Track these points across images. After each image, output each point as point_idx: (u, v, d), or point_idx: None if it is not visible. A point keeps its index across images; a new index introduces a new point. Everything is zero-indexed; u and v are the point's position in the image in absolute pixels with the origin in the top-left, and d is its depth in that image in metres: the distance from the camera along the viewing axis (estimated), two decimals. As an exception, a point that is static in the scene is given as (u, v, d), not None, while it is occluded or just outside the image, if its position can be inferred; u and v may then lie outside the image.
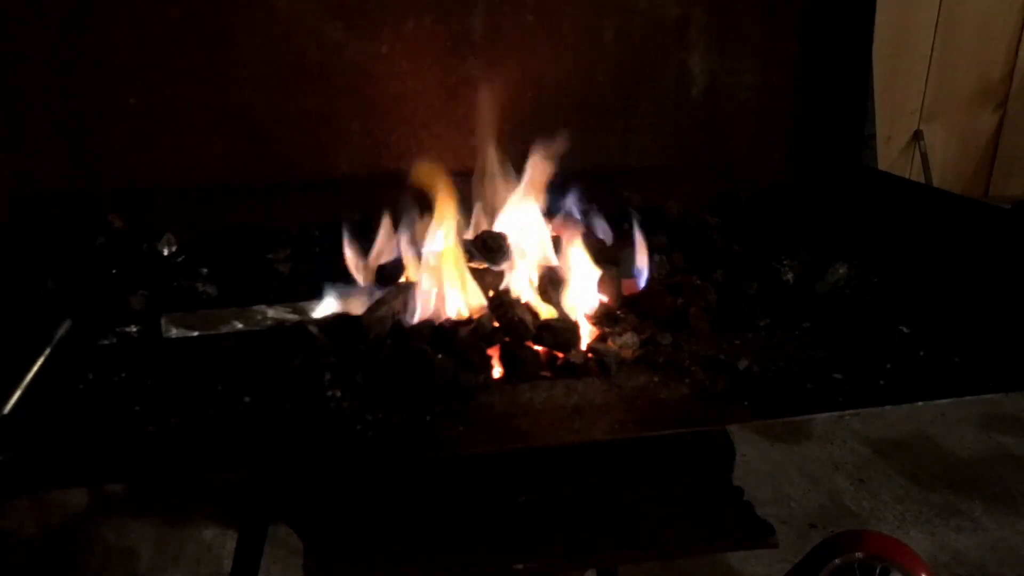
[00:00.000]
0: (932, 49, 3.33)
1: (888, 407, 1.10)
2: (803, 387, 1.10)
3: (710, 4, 1.83)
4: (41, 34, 1.59)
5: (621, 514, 1.23)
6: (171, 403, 1.06)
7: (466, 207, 1.55)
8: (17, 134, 1.63)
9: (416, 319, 1.24)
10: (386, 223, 1.44)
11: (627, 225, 1.51)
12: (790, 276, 1.41)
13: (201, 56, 1.66)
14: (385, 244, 1.44)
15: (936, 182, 3.42)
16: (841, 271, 1.41)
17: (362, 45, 1.71)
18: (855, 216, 1.67)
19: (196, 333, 1.28)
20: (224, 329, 1.29)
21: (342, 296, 1.32)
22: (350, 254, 1.40)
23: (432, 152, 1.79)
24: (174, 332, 1.28)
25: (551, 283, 1.33)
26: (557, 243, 1.40)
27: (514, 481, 1.23)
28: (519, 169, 1.46)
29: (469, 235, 1.48)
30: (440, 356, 1.10)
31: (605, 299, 1.35)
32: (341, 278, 1.39)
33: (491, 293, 1.31)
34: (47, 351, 1.17)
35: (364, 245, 1.44)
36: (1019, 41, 3.38)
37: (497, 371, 1.16)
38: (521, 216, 1.44)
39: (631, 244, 1.43)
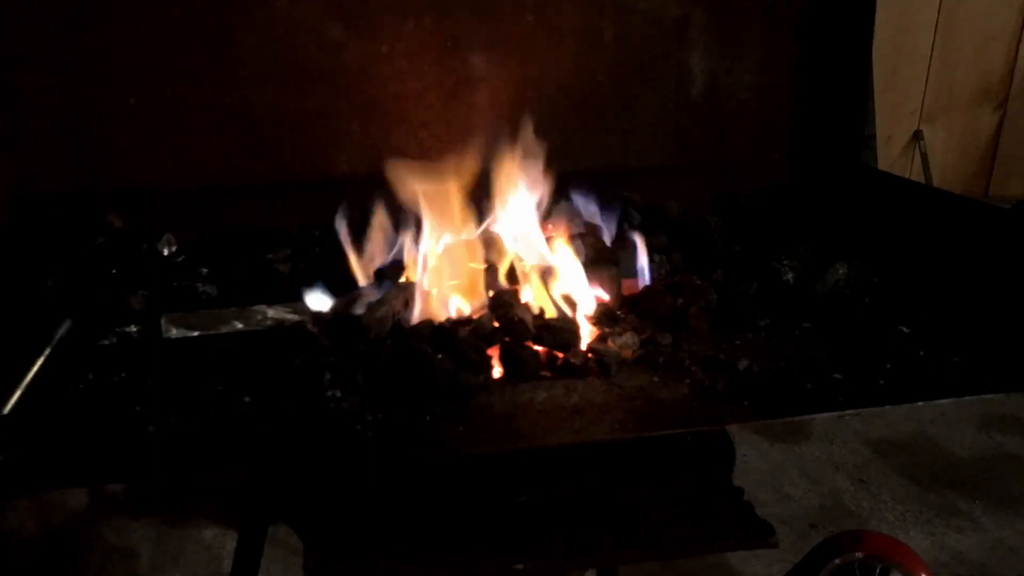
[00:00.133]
0: (932, 49, 3.33)
1: (888, 407, 1.10)
2: (803, 387, 1.10)
3: (710, 4, 1.83)
4: (41, 34, 1.59)
5: (621, 514, 1.23)
6: (171, 403, 1.06)
7: (466, 207, 1.56)
8: (17, 134, 1.63)
9: (416, 319, 1.24)
10: (383, 222, 1.44)
11: (627, 225, 1.51)
12: (790, 276, 1.41)
13: (201, 56, 1.66)
14: (382, 243, 1.44)
15: (936, 182, 3.42)
16: (841, 271, 1.41)
17: (362, 45, 1.71)
18: (855, 216, 1.67)
19: (196, 333, 1.28)
20: (224, 329, 1.29)
21: (342, 296, 1.32)
22: (352, 255, 1.40)
23: (432, 152, 1.79)
24: (174, 332, 1.28)
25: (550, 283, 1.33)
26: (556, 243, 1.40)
27: (514, 481, 1.23)
28: (521, 169, 1.46)
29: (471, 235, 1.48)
30: (440, 356, 1.10)
31: (605, 298, 1.35)
32: (341, 278, 1.39)
33: (491, 293, 1.31)
34: (47, 351, 1.17)
35: (363, 245, 1.44)
36: (1019, 41, 3.38)
37: (497, 371, 1.16)
38: (520, 215, 1.45)
39: (631, 244, 1.43)
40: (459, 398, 1.07)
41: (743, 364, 1.14)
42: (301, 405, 1.06)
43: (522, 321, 1.19)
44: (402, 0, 1.70)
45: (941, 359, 1.17)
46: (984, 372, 1.15)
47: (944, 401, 1.11)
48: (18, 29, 1.58)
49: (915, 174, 3.44)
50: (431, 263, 1.32)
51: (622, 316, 1.30)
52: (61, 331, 1.22)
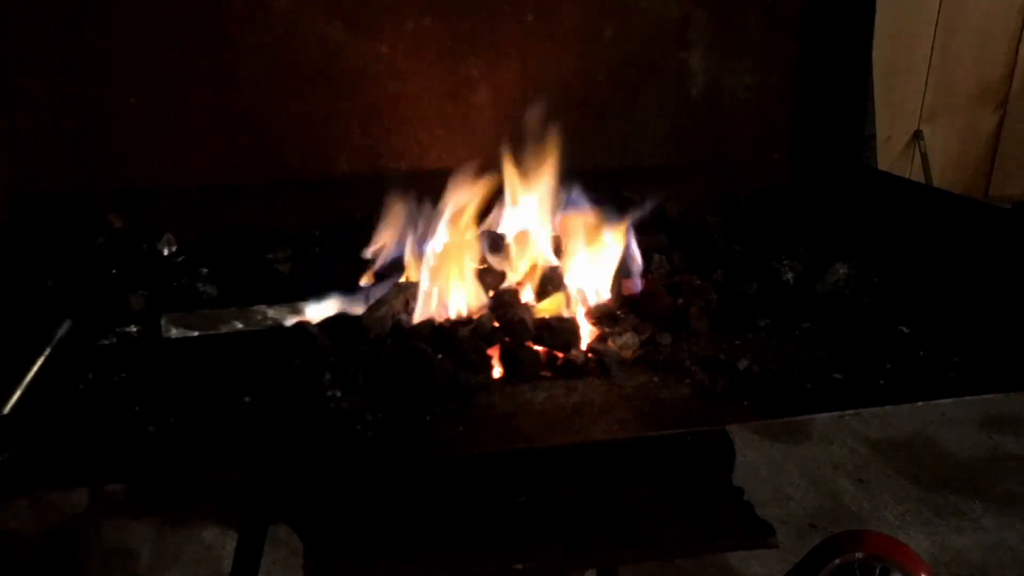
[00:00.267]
0: (932, 49, 3.33)
1: (888, 407, 1.10)
2: (803, 387, 1.10)
3: (710, 4, 1.83)
4: (41, 34, 1.59)
5: (621, 514, 1.23)
6: (171, 403, 1.06)
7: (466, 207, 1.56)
8: (17, 134, 1.63)
9: (417, 319, 1.24)
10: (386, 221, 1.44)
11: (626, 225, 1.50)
12: (790, 276, 1.41)
13: (201, 56, 1.66)
14: (386, 242, 1.44)
15: (936, 182, 3.42)
16: (841, 271, 1.41)
17: (362, 45, 1.71)
18: (855, 216, 1.67)
19: (196, 333, 1.28)
20: (224, 329, 1.29)
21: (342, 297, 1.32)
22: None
23: (432, 152, 1.79)
24: (174, 332, 1.28)
25: (551, 283, 1.33)
26: (558, 243, 1.40)
27: (514, 481, 1.23)
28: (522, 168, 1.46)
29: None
30: (440, 356, 1.10)
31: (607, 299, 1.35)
32: (341, 278, 1.39)
33: (491, 293, 1.31)
34: (47, 351, 1.17)
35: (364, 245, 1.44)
36: (1019, 41, 3.38)
37: (497, 371, 1.16)
38: (525, 215, 1.45)
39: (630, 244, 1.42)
40: (459, 398, 1.07)
41: (743, 364, 1.14)
42: (301, 405, 1.06)
43: (522, 321, 1.19)
44: (402, 0, 1.70)
45: (941, 359, 1.17)
46: (984, 372, 1.15)
47: (944, 401, 1.11)
48: (18, 29, 1.58)
49: (915, 174, 3.44)
50: (431, 262, 1.31)
51: (622, 316, 1.30)
52: (61, 331, 1.22)
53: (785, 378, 1.13)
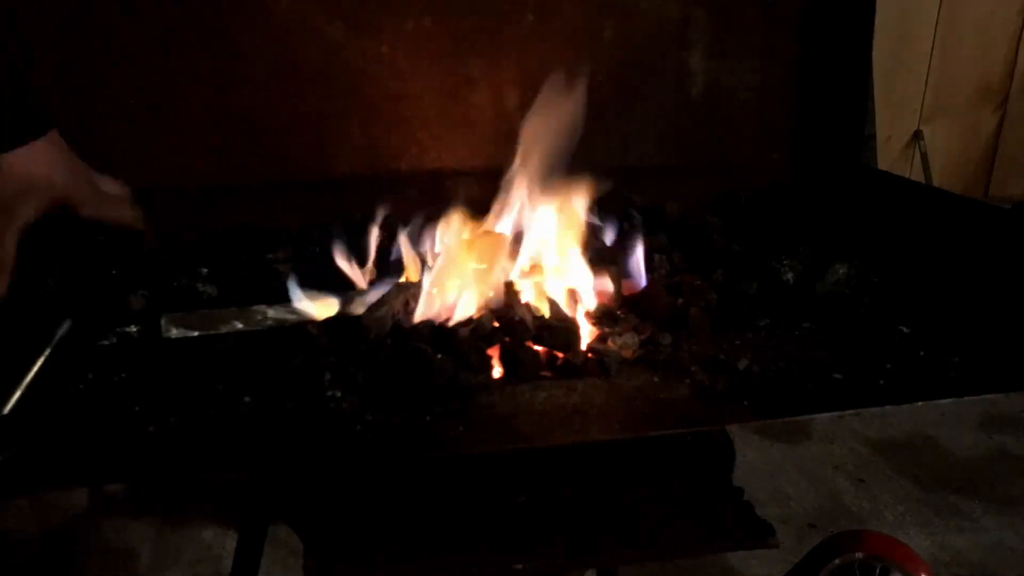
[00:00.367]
0: (932, 49, 3.33)
1: (888, 407, 1.10)
2: (803, 387, 1.10)
3: (710, 4, 1.83)
4: (41, 34, 1.58)
5: (621, 514, 1.23)
6: (171, 403, 1.06)
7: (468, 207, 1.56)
8: (17, 134, 1.62)
9: (417, 319, 1.24)
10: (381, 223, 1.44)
11: (627, 225, 1.51)
12: (790, 276, 1.41)
13: (201, 56, 1.66)
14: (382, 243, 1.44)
15: (936, 182, 3.42)
16: (841, 271, 1.41)
17: (362, 45, 1.71)
18: (855, 216, 1.67)
19: (196, 333, 1.28)
20: (224, 329, 1.29)
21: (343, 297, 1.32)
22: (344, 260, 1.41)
23: (432, 152, 1.79)
24: (174, 332, 1.28)
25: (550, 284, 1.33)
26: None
27: (514, 481, 1.23)
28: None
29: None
30: (440, 356, 1.10)
31: (604, 299, 1.35)
32: (341, 278, 1.39)
33: (491, 293, 1.31)
34: (47, 351, 1.17)
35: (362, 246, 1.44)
36: (1019, 41, 3.38)
37: (497, 371, 1.16)
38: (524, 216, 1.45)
39: (631, 244, 1.43)
40: (459, 398, 1.06)
41: (743, 364, 1.14)
42: (301, 405, 1.06)
43: (522, 321, 1.19)
44: (402, 0, 1.70)
45: (941, 359, 1.17)
46: (984, 372, 1.15)
47: (944, 401, 1.11)
48: (17, 29, 1.58)
49: (915, 174, 3.44)
50: (435, 263, 1.31)
51: (622, 316, 1.31)
52: (61, 331, 1.22)
53: (785, 378, 1.13)
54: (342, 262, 1.41)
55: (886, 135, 3.30)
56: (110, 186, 1.41)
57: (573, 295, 1.31)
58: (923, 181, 3.34)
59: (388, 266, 1.45)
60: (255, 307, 1.35)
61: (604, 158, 1.86)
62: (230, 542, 2.06)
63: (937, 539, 2.16)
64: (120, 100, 1.65)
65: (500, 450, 1.10)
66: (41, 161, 1.27)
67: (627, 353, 1.19)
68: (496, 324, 1.21)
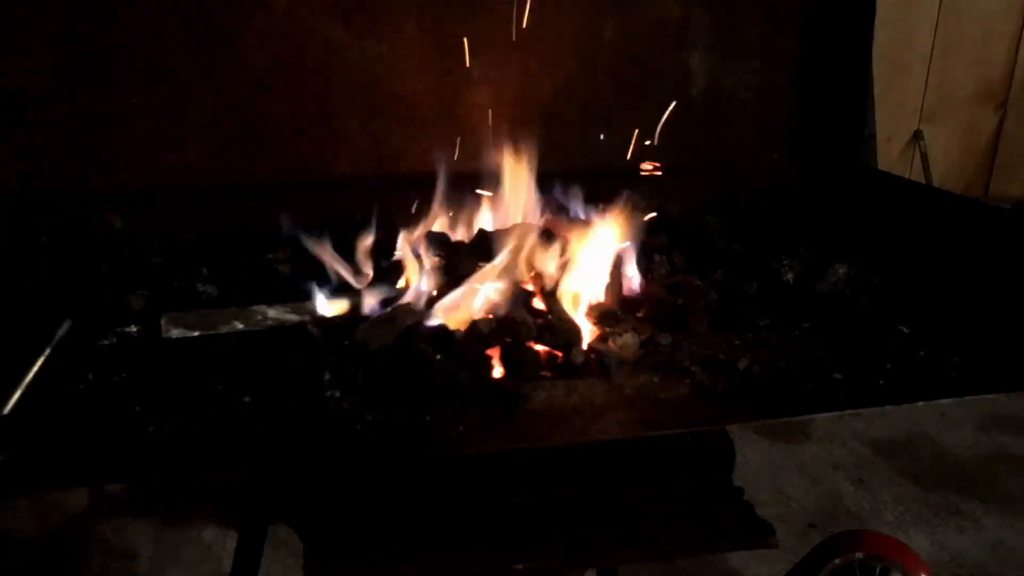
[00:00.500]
0: (932, 49, 3.33)
1: (888, 407, 1.10)
2: (803, 387, 1.10)
3: (710, 4, 1.82)
4: (41, 34, 1.58)
5: (621, 514, 1.23)
6: (171, 403, 1.06)
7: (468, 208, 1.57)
8: (17, 134, 1.62)
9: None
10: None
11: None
12: (790, 276, 1.41)
13: (201, 56, 1.66)
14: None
15: (936, 182, 3.42)
16: (841, 271, 1.41)
17: (362, 45, 1.71)
18: (855, 216, 1.67)
19: (196, 333, 1.28)
20: (224, 329, 1.29)
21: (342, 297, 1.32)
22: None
23: (432, 152, 1.79)
24: (174, 332, 1.28)
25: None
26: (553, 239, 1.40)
27: (514, 481, 1.23)
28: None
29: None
30: (440, 356, 1.10)
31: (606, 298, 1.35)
32: (341, 278, 1.40)
33: (495, 296, 1.31)
34: (47, 351, 1.17)
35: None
36: (1019, 41, 3.38)
37: (497, 371, 1.16)
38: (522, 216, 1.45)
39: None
40: (460, 398, 1.06)
41: (743, 364, 1.14)
42: (301, 405, 1.06)
43: (523, 321, 1.19)
44: (402, 0, 1.70)
45: (941, 359, 1.17)
46: (984, 372, 1.15)
47: (944, 401, 1.11)
48: (18, 29, 1.58)
49: (915, 174, 3.44)
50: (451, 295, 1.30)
51: (622, 316, 1.30)
52: (61, 331, 1.22)
53: (785, 378, 1.13)
54: (336, 263, 1.41)
55: (886, 135, 3.30)
56: None
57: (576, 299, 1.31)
58: (923, 181, 3.34)
59: (387, 267, 1.45)
60: (255, 307, 1.35)
61: (604, 158, 1.86)
62: (230, 542, 2.06)
63: (937, 539, 2.16)
64: (120, 100, 1.65)
65: (500, 450, 1.10)
66: None
67: (627, 353, 1.19)
68: (496, 324, 1.21)
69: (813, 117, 1.93)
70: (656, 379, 1.13)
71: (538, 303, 1.30)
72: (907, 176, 3.19)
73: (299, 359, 1.14)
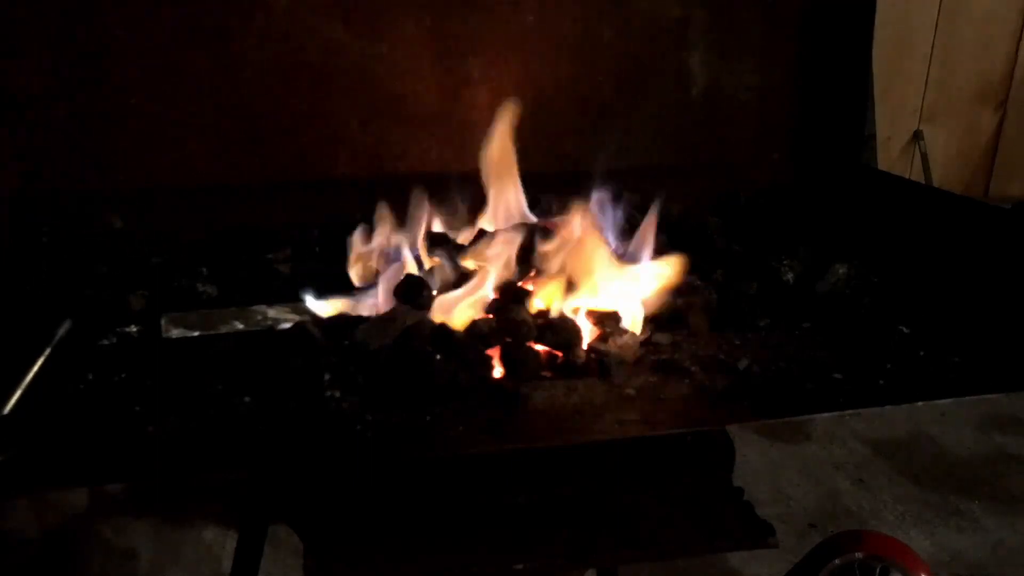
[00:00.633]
0: (932, 49, 3.33)
1: (888, 407, 1.10)
2: (803, 387, 1.10)
3: (710, 4, 1.83)
4: (41, 34, 1.58)
5: (621, 514, 1.23)
6: (171, 403, 1.06)
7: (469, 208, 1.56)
8: (17, 134, 1.63)
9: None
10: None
11: (627, 226, 1.51)
12: (790, 276, 1.41)
13: (201, 56, 1.66)
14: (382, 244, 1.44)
15: (936, 182, 3.42)
16: (841, 271, 1.41)
17: (362, 45, 1.71)
18: (855, 216, 1.67)
19: (196, 333, 1.28)
20: (224, 329, 1.29)
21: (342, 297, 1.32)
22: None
23: (432, 152, 1.79)
24: (174, 332, 1.28)
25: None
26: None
27: (514, 481, 1.23)
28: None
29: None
30: (439, 356, 1.10)
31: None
32: (341, 278, 1.39)
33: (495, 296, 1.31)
34: (47, 351, 1.17)
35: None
36: (1019, 41, 3.38)
37: (497, 371, 1.16)
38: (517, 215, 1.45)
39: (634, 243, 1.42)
40: (460, 398, 1.06)
41: (743, 364, 1.14)
42: (301, 405, 1.06)
43: (524, 321, 1.19)
44: (402, 0, 1.70)
45: (941, 359, 1.17)
46: (984, 372, 1.15)
47: (944, 401, 1.11)
48: (18, 29, 1.58)
49: (915, 174, 3.44)
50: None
51: (622, 316, 1.30)
52: (61, 331, 1.22)
53: (785, 378, 1.13)
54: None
55: (886, 135, 3.30)
56: None
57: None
58: (923, 181, 3.34)
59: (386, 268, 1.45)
60: (255, 307, 1.35)
61: (604, 158, 1.86)
62: (230, 542, 2.06)
63: (937, 539, 2.16)
64: (120, 100, 1.65)
65: (500, 450, 1.10)
66: None
67: (627, 353, 1.19)
68: (496, 324, 1.21)
69: (813, 117, 1.93)
70: (656, 379, 1.13)
71: (538, 303, 1.30)
72: (907, 176, 3.19)
73: (299, 359, 1.14)
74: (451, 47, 1.74)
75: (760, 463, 2.50)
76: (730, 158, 1.94)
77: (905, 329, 1.27)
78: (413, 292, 1.26)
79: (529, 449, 1.12)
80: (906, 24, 3.24)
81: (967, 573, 2.06)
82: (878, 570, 1.38)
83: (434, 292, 1.31)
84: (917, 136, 3.44)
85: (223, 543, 2.13)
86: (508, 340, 1.18)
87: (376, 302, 1.30)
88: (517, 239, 1.36)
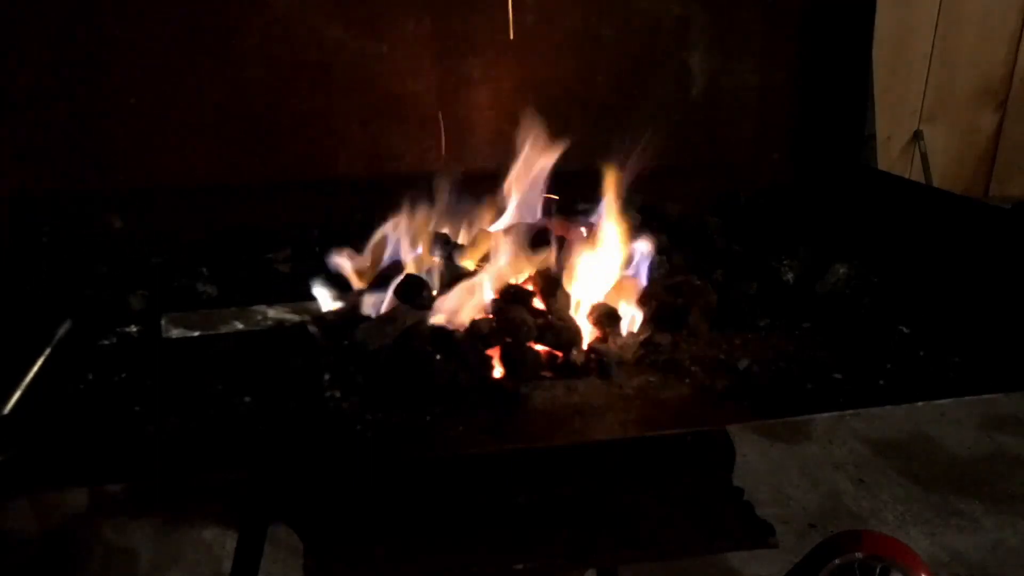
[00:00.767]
0: (932, 49, 3.33)
1: (888, 407, 1.10)
2: (803, 387, 1.10)
3: (710, 4, 1.83)
4: (41, 34, 1.58)
5: (621, 514, 1.23)
6: (171, 403, 1.06)
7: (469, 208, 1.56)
8: (17, 134, 1.63)
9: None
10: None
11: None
12: (790, 276, 1.41)
13: (201, 56, 1.66)
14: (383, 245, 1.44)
15: (936, 182, 3.42)
16: (841, 271, 1.41)
17: (362, 45, 1.71)
18: (855, 216, 1.67)
19: (196, 333, 1.28)
20: (224, 329, 1.29)
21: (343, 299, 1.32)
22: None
23: (432, 152, 1.79)
24: (174, 332, 1.28)
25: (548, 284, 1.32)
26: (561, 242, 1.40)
27: (514, 481, 1.23)
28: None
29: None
30: (439, 356, 1.10)
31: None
32: (341, 278, 1.39)
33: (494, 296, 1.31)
34: (47, 351, 1.17)
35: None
36: (1019, 41, 3.38)
37: (497, 371, 1.16)
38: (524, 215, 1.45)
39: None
40: (460, 398, 1.06)
41: (743, 364, 1.14)
42: (301, 405, 1.06)
43: (523, 321, 1.19)
44: (402, 0, 1.70)
45: (941, 359, 1.17)
46: (984, 372, 1.15)
47: (944, 401, 1.11)
48: (18, 29, 1.58)
49: (915, 174, 3.44)
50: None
51: (622, 316, 1.30)
52: (61, 331, 1.22)
53: (785, 378, 1.13)
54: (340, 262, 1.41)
55: (886, 135, 3.30)
56: None
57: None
58: (923, 181, 3.34)
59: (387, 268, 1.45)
60: (255, 307, 1.35)
61: (604, 158, 1.86)
62: (230, 542, 2.06)
63: (937, 539, 2.16)
64: (120, 100, 1.65)
65: (500, 450, 1.10)
66: None
67: (627, 353, 1.19)
68: (496, 324, 1.21)
69: (813, 117, 1.93)
70: (656, 379, 1.13)
71: (538, 303, 1.30)
72: (907, 176, 3.19)
73: (299, 359, 1.14)
74: (451, 47, 1.74)
75: (760, 463, 2.50)
76: (730, 158, 1.94)
77: (905, 329, 1.27)
78: (413, 292, 1.26)
79: (529, 449, 1.12)
80: (906, 24, 3.24)
81: (967, 573, 2.06)
82: (878, 570, 1.38)
83: (434, 292, 1.31)
84: (917, 136, 3.43)
85: (223, 543, 2.13)
86: (508, 340, 1.18)
87: (377, 301, 1.30)
88: (515, 238, 1.36)
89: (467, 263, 1.38)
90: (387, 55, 1.72)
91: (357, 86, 1.73)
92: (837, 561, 1.40)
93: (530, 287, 1.34)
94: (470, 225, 1.54)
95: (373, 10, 1.69)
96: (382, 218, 1.45)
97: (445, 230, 1.54)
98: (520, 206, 1.48)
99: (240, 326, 1.30)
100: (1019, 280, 1.31)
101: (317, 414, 1.04)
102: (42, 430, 1.01)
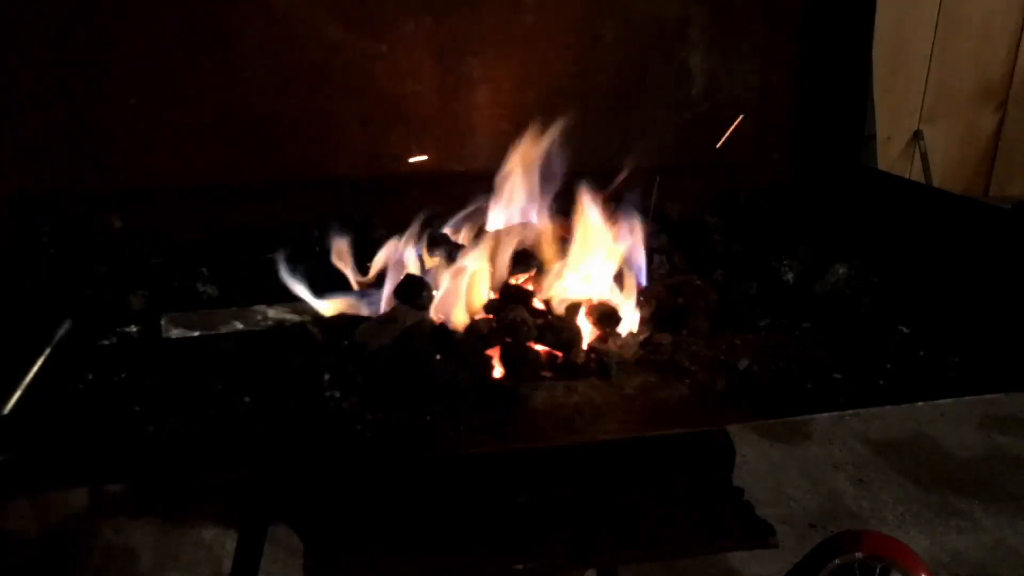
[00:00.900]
0: (932, 49, 3.33)
1: (888, 407, 1.10)
2: (803, 387, 1.10)
3: (710, 4, 1.83)
4: (40, 34, 1.58)
5: (621, 514, 1.23)
6: (171, 403, 1.06)
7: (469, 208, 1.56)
8: (17, 134, 1.63)
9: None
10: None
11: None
12: (790, 276, 1.41)
13: (201, 56, 1.66)
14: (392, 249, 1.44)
15: (936, 182, 3.42)
16: (841, 271, 1.41)
17: (362, 45, 1.71)
18: (855, 216, 1.67)
19: (196, 333, 1.28)
20: (224, 329, 1.29)
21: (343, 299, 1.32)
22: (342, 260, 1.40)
23: (432, 152, 1.79)
24: (174, 332, 1.28)
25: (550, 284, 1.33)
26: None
27: (514, 481, 1.23)
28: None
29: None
30: (439, 356, 1.10)
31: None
32: (341, 278, 1.39)
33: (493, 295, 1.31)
34: (47, 351, 1.17)
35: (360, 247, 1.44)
36: (1019, 41, 3.38)
37: (497, 371, 1.16)
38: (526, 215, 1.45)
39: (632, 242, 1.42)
40: (460, 398, 1.06)
41: (743, 364, 1.14)
42: (301, 405, 1.06)
43: (524, 321, 1.19)
44: (402, 0, 1.70)
45: (941, 359, 1.17)
46: (984, 372, 1.15)
47: (944, 401, 1.11)
48: (18, 29, 1.58)
49: (915, 174, 3.44)
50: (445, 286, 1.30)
51: (622, 316, 1.30)
52: (61, 331, 1.22)
53: (785, 378, 1.13)
54: (338, 262, 1.41)
55: (886, 135, 3.30)
56: None
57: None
58: (923, 181, 3.34)
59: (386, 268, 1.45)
60: (255, 307, 1.35)
61: (604, 158, 1.86)
62: (230, 542, 2.06)
63: (937, 539, 2.16)
64: (120, 100, 1.65)
65: (500, 450, 1.10)
66: None
67: (627, 353, 1.19)
68: (496, 324, 1.21)
69: (813, 117, 1.93)
70: (656, 379, 1.13)
71: (538, 303, 1.30)
72: (907, 176, 3.19)
73: (299, 359, 1.14)
74: (451, 47, 1.74)
75: (760, 463, 2.50)
76: (730, 158, 1.94)
77: (905, 329, 1.27)
78: (413, 292, 1.26)
79: (529, 449, 1.12)
80: (906, 24, 3.24)
81: (967, 573, 2.06)
82: (878, 570, 1.38)
83: (434, 292, 1.31)
84: (917, 136, 3.43)
85: (223, 543, 2.13)
86: (508, 340, 1.18)
87: (378, 300, 1.30)
88: (515, 238, 1.36)
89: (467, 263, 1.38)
90: (387, 55, 1.72)
91: (357, 86, 1.73)
92: (837, 561, 1.40)
93: (530, 287, 1.34)
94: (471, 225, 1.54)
95: (373, 10, 1.69)
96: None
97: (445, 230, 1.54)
98: (518, 206, 1.48)
99: (240, 326, 1.30)
100: (1019, 280, 1.31)
101: (317, 414, 1.04)
102: (42, 430, 1.01)
